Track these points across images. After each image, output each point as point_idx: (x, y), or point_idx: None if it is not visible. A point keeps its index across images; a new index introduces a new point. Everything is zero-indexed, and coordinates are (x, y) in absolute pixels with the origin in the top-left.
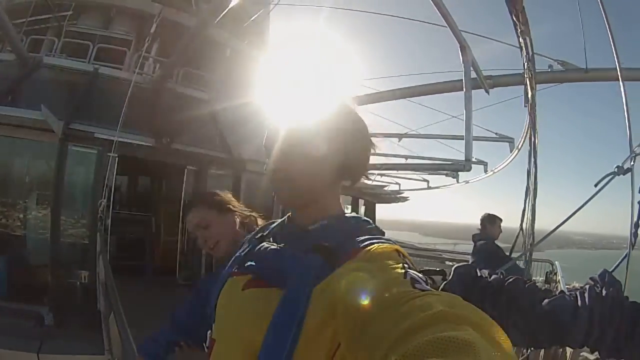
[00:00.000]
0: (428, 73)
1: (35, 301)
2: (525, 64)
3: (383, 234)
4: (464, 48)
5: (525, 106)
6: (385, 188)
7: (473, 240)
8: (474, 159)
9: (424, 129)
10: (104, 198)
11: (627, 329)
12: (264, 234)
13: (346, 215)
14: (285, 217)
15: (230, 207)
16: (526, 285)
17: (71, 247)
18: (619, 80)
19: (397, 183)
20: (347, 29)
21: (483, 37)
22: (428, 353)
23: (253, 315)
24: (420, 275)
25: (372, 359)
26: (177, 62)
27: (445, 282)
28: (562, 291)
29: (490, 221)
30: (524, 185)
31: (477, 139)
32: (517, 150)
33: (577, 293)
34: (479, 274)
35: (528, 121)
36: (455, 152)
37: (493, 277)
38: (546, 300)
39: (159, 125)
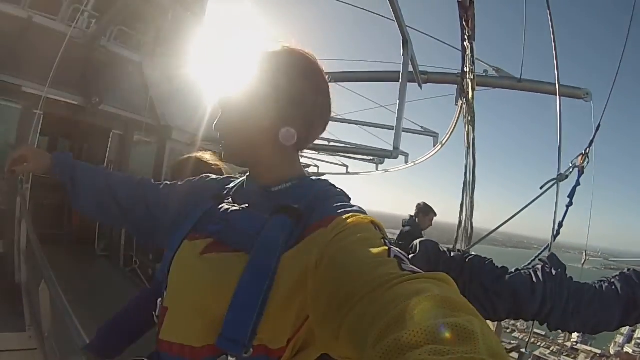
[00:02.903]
0: (358, 61)
1: None
2: (468, 66)
3: (350, 199)
4: (406, 42)
5: (456, 105)
6: (306, 169)
7: (402, 225)
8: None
9: (348, 115)
10: None
11: (573, 305)
12: (222, 193)
13: (311, 177)
14: (245, 176)
15: None
16: (485, 263)
17: None
18: (553, 94)
19: (316, 165)
20: (290, 8)
21: (429, 36)
22: (425, 339)
23: (214, 282)
24: (402, 252)
25: (356, 342)
26: (115, 19)
27: (411, 255)
28: (517, 269)
29: (425, 211)
30: (443, 180)
31: (404, 130)
32: (440, 146)
33: (531, 271)
34: (441, 249)
35: (458, 119)
36: (373, 140)
37: (453, 253)
38: (507, 276)
39: (89, 84)
